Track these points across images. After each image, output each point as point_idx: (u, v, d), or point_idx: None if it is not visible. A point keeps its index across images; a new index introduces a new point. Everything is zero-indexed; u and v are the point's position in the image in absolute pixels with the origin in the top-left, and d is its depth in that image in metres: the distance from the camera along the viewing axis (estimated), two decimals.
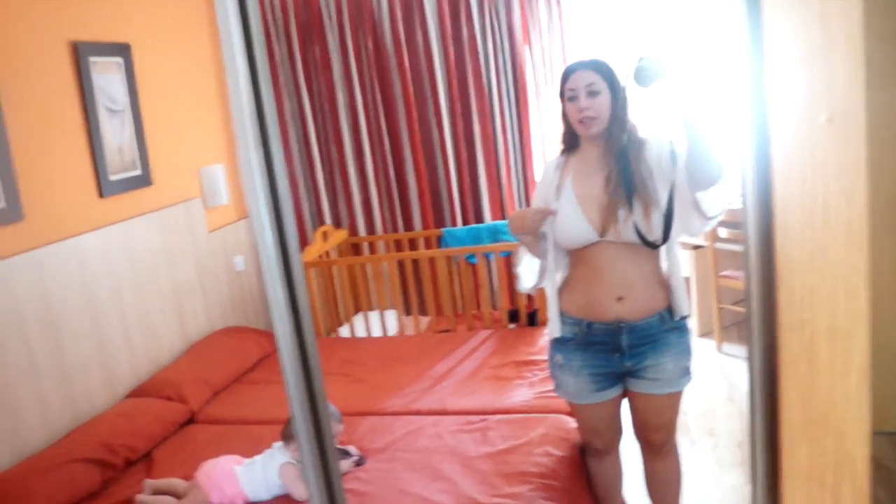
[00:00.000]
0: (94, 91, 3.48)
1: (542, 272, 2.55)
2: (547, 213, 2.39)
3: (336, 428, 2.79)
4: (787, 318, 0.97)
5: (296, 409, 1.10)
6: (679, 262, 2.49)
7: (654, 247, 2.37)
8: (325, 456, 1.13)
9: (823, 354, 0.94)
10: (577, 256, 2.46)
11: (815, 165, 0.93)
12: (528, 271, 2.61)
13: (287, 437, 2.71)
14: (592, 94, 2.33)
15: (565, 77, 2.40)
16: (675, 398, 2.56)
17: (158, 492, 2.73)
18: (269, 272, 1.03)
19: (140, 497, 2.68)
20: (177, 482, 2.76)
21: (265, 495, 2.67)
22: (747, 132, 0.98)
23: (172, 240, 3.92)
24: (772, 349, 1.01)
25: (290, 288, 1.04)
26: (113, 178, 3.58)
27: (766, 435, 1.01)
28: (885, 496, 2.86)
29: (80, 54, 3.39)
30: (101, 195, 3.51)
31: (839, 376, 0.93)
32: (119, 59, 3.67)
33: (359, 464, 2.81)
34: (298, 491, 2.62)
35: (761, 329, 1.00)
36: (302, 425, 1.10)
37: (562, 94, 2.42)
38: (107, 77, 3.59)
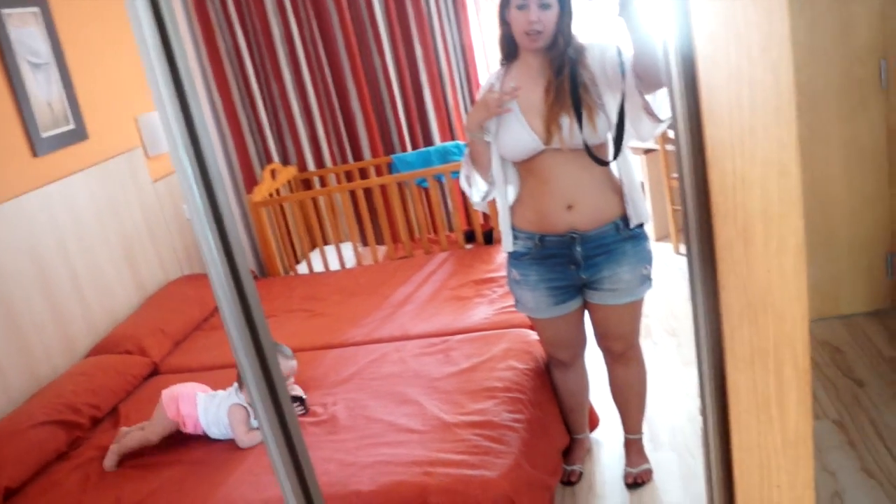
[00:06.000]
0: (11, 45, 3.32)
1: (490, 184, 2.51)
2: (511, 91, 2.29)
3: (288, 364, 2.75)
4: (721, 203, 0.95)
5: (239, 352, 1.07)
6: (632, 167, 2.45)
7: (603, 163, 2.33)
8: (275, 396, 1.10)
9: (758, 237, 0.92)
10: (526, 169, 2.43)
11: (738, 41, 0.90)
12: (476, 184, 2.57)
13: (240, 381, 2.68)
14: (544, 6, 2.25)
15: None
16: (634, 307, 2.57)
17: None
18: (198, 220, 0.99)
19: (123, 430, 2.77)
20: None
21: (215, 431, 2.66)
22: (668, 9, 0.95)
23: (116, 193, 3.81)
24: (708, 236, 0.99)
25: (221, 233, 1.01)
26: (45, 135, 3.45)
27: (709, 321, 1.00)
28: (839, 379, 2.93)
29: None
30: (34, 154, 3.38)
31: (775, 257, 0.91)
32: (35, 9, 3.50)
33: (302, 410, 2.73)
34: (239, 434, 2.59)
35: (696, 217, 0.99)
36: (249, 371, 1.07)
37: (506, 1, 2.32)
38: (25, 30, 3.42)
